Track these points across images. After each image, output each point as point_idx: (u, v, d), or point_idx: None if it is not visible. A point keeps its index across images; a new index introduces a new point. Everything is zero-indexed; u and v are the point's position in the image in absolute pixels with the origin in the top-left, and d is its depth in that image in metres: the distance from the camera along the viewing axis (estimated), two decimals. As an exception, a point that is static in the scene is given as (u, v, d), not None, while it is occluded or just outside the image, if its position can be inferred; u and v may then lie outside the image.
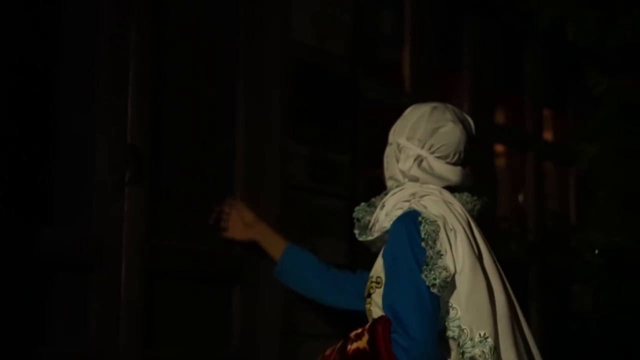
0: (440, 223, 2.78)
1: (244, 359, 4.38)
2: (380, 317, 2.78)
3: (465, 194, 2.99)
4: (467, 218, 2.88)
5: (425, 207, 2.85)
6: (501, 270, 2.91)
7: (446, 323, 2.72)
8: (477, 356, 2.61)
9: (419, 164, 2.98)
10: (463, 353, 2.65)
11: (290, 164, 4.51)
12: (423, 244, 2.75)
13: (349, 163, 4.85)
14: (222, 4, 4.47)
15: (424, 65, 5.56)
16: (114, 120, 3.93)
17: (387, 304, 2.76)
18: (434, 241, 2.74)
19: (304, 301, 4.24)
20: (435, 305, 2.70)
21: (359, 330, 2.82)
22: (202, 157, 4.33)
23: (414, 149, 2.97)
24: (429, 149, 2.95)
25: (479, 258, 2.81)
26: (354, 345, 2.77)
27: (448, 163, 2.95)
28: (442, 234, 2.76)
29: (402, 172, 3.03)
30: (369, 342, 2.71)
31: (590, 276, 4.51)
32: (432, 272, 2.69)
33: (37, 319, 3.66)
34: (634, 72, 5.46)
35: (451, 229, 2.79)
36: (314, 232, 4.57)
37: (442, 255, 2.73)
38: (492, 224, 3.01)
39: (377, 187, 5.64)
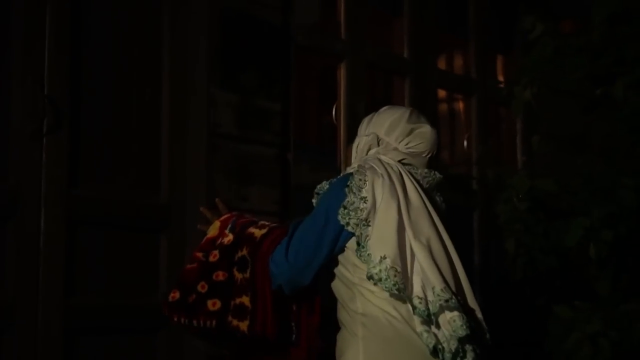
0: (369, 174, 3.05)
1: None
2: (284, 228, 3.11)
3: (421, 169, 3.18)
4: (401, 177, 3.10)
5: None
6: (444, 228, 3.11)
7: (362, 252, 3.00)
8: (374, 274, 2.92)
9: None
10: (368, 275, 2.94)
11: (216, 112, 4.51)
12: (347, 189, 3.03)
13: (280, 110, 4.84)
14: (144, -49, 4.45)
15: (360, 11, 5.52)
16: (30, 69, 3.91)
17: (294, 224, 3.07)
18: (360, 189, 3.02)
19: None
20: (326, 244, 3.01)
21: (267, 225, 3.15)
22: (126, 106, 4.31)
23: (392, 144, 3.16)
24: (406, 145, 3.15)
25: (405, 204, 3.04)
26: (254, 230, 3.12)
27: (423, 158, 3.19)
28: (369, 184, 3.03)
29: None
30: (262, 236, 3.09)
31: (513, 220, 4.54)
32: (349, 214, 2.99)
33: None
34: (571, 17, 5.44)
35: (379, 176, 3.06)
36: (242, 180, 4.57)
37: (366, 200, 3.02)
38: (438, 170, 3.18)
39: (310, 134, 5.68)
